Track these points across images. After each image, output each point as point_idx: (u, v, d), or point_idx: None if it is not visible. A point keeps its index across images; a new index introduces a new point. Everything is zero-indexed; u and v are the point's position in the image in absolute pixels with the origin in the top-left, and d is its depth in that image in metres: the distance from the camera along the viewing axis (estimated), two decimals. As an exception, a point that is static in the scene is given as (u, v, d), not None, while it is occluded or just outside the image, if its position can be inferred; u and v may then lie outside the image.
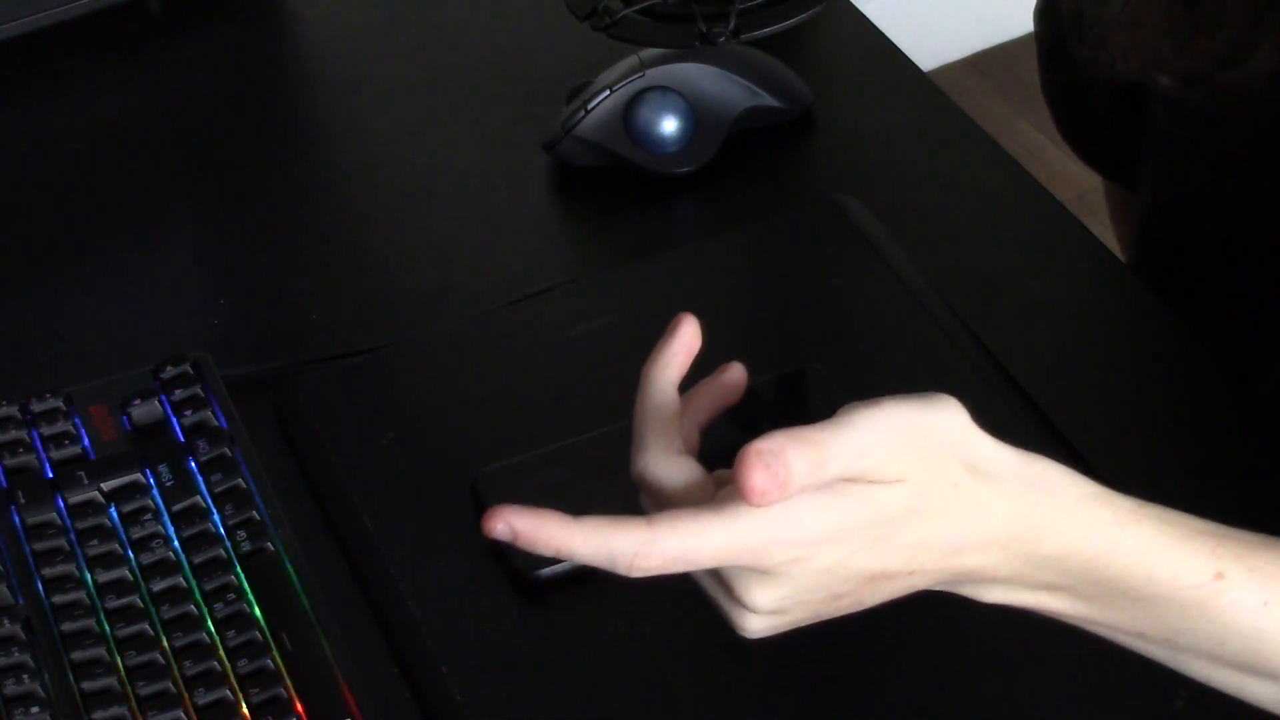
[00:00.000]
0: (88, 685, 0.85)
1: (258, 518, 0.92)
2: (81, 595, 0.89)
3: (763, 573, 0.70)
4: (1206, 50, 0.88)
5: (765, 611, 0.71)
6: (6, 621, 0.87)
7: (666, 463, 0.73)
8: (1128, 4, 0.91)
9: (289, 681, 0.85)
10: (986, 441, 0.71)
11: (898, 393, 0.71)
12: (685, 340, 0.75)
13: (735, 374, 0.77)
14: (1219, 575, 0.72)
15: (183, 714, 0.84)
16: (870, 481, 0.69)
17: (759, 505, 0.67)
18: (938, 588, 0.73)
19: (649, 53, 1.12)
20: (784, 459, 0.67)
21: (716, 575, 0.71)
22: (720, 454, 0.90)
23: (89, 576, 0.89)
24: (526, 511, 0.69)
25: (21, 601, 0.89)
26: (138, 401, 0.97)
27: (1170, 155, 1.05)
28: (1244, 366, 1.00)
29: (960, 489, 0.70)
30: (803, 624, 0.73)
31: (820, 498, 0.68)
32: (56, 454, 0.95)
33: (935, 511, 0.70)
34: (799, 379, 0.98)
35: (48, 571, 0.90)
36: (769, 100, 1.14)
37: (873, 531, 0.69)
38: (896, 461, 0.69)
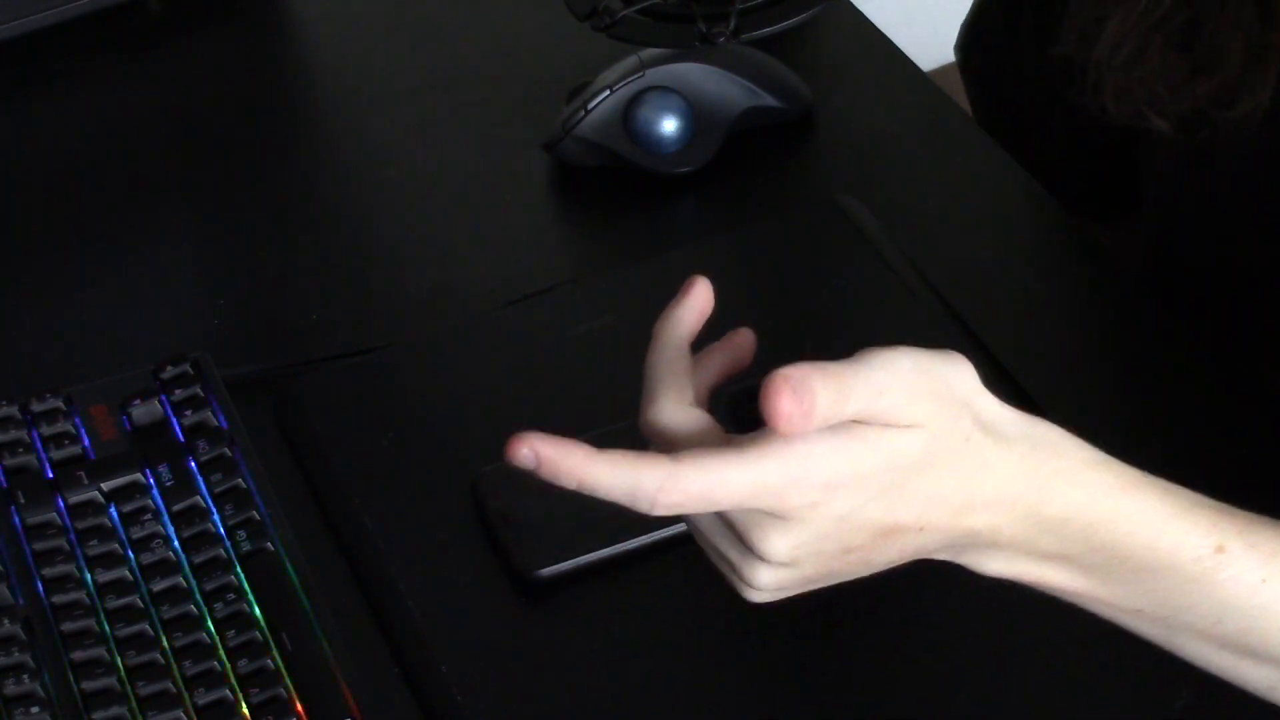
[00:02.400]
0: (88, 685, 0.85)
1: (258, 518, 0.92)
2: (81, 595, 0.89)
3: (779, 518, 0.69)
4: (1204, 91, 0.88)
5: (778, 561, 0.70)
6: (6, 621, 0.87)
7: (679, 412, 0.72)
8: (1118, 50, 0.90)
9: (289, 681, 0.85)
10: (994, 401, 0.71)
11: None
12: (698, 300, 0.75)
13: (745, 338, 0.77)
14: (1219, 549, 0.72)
15: (183, 714, 0.84)
16: (887, 424, 0.69)
17: (784, 431, 0.67)
18: (942, 554, 0.73)
19: (649, 53, 1.12)
20: (809, 386, 0.67)
21: (730, 526, 0.71)
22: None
23: (89, 576, 0.89)
24: (551, 438, 0.69)
25: (21, 601, 0.89)
26: (138, 401, 0.97)
27: (1164, 191, 1.04)
28: (1251, 370, 0.99)
29: (971, 443, 0.70)
30: (811, 583, 0.72)
31: (840, 439, 0.68)
32: (56, 454, 0.95)
33: (947, 463, 0.70)
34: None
35: (48, 571, 0.90)
36: (769, 100, 1.14)
37: (887, 477, 0.69)
38: (914, 405, 0.69)
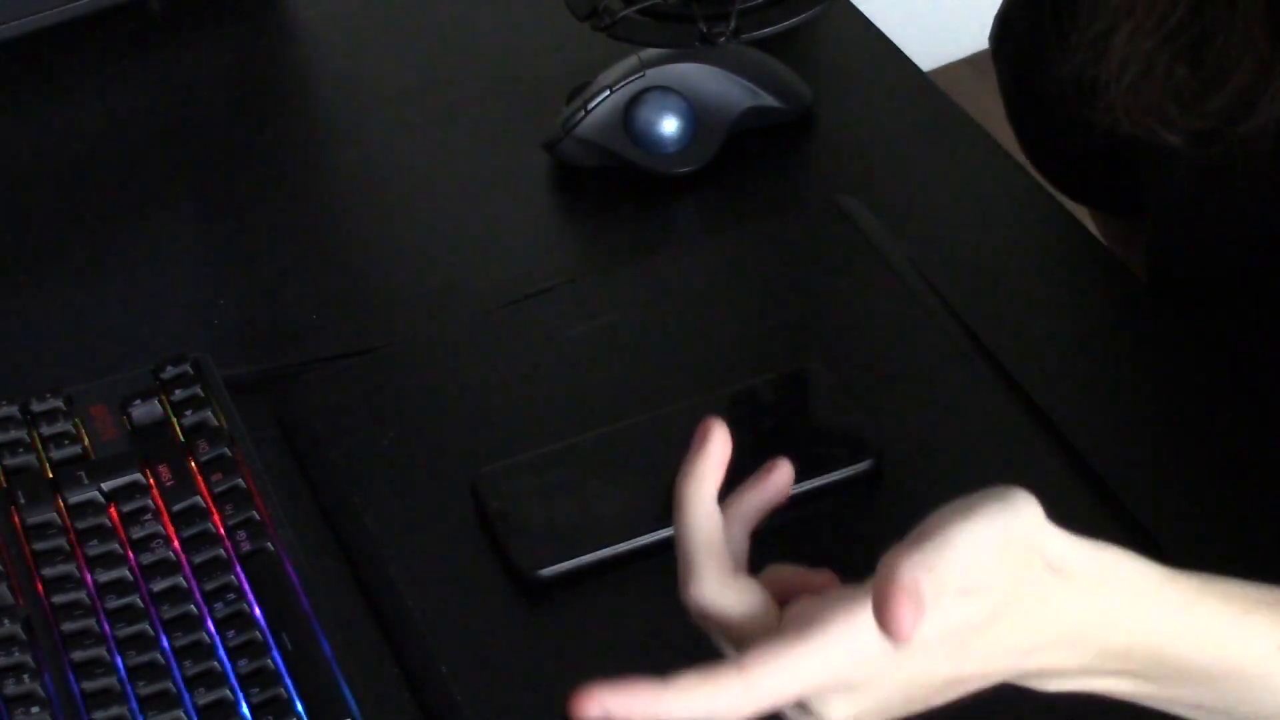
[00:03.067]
0: (88, 685, 0.85)
1: (258, 518, 0.92)
2: (81, 595, 0.89)
3: (842, 688, 0.69)
4: (1214, 108, 0.87)
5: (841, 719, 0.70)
6: (6, 621, 0.87)
7: (726, 590, 0.70)
8: (1127, 66, 0.90)
9: (289, 681, 0.85)
10: (1060, 537, 0.70)
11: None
12: (717, 450, 0.72)
13: (782, 473, 0.74)
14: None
15: (183, 714, 0.84)
16: (958, 593, 0.68)
17: (903, 642, 0.65)
18: (1007, 680, 0.72)
19: (649, 53, 1.12)
20: (920, 592, 0.65)
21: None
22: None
23: (89, 576, 0.89)
24: (617, 686, 0.66)
25: (21, 601, 0.89)
26: (138, 401, 0.97)
27: (1167, 209, 1.04)
28: (1252, 368, 0.99)
29: (1042, 589, 0.69)
30: None
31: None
32: (56, 454, 0.95)
33: (1016, 616, 0.69)
34: (799, 379, 0.98)
35: (48, 571, 0.90)
36: (769, 100, 1.14)
37: (955, 641, 0.69)
38: (993, 577, 0.68)
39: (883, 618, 0.65)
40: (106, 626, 0.87)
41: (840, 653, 0.67)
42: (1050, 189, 1.13)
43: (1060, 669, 0.72)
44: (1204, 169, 0.97)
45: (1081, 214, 1.12)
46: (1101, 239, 1.23)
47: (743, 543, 0.73)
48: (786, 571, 0.72)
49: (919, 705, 0.71)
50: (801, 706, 0.70)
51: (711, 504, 0.71)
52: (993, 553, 0.68)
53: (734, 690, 0.67)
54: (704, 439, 0.72)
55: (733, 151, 1.13)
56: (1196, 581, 0.72)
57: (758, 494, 0.74)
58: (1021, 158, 1.14)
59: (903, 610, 0.65)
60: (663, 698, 0.66)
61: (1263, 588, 0.74)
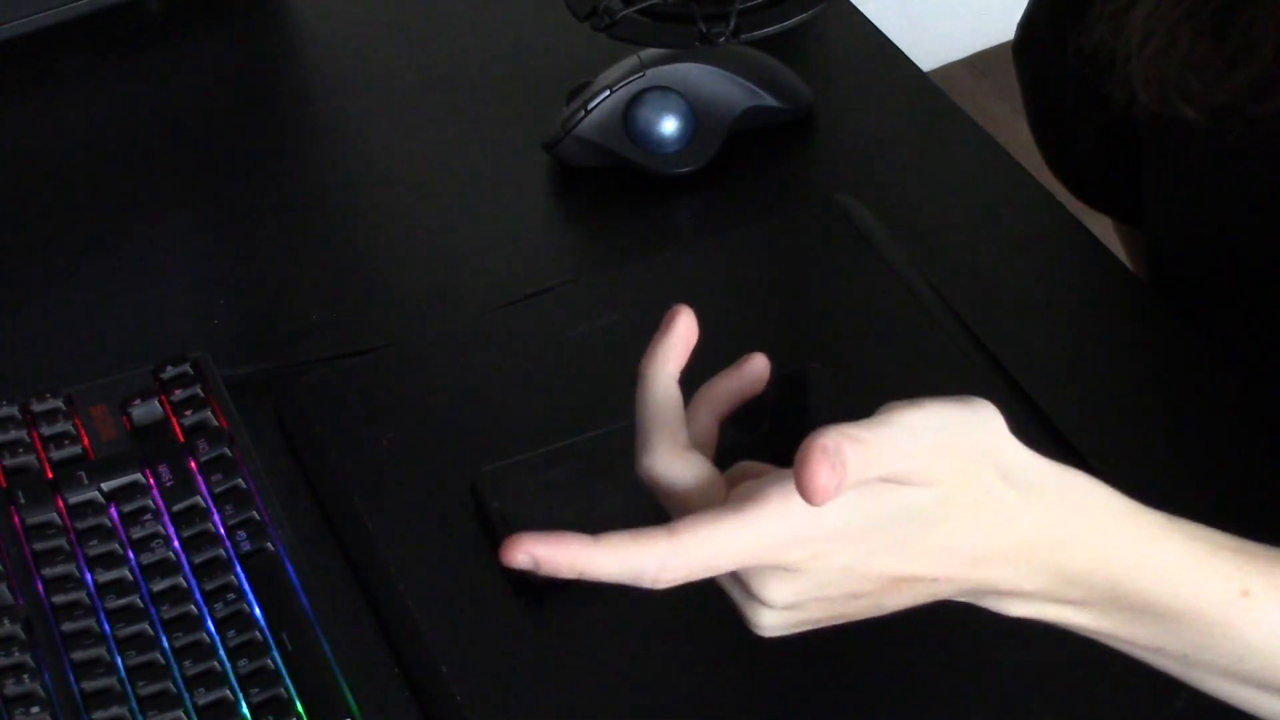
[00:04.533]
0: (88, 685, 0.85)
1: (258, 518, 0.92)
2: (81, 595, 0.89)
3: (781, 569, 0.69)
4: (1237, 83, 0.87)
5: (780, 606, 0.70)
6: (6, 621, 0.87)
7: (675, 460, 0.72)
8: (1148, 39, 0.89)
9: (289, 681, 0.85)
10: (1021, 450, 0.70)
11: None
12: (682, 332, 0.74)
13: (757, 364, 0.76)
14: (1244, 593, 0.72)
15: (183, 714, 0.84)
16: (904, 484, 0.68)
17: (818, 504, 0.66)
18: (961, 598, 0.73)
19: (649, 53, 1.12)
20: (843, 458, 0.66)
21: (733, 572, 0.71)
22: (722, 454, 0.89)
23: (89, 576, 0.89)
24: (545, 537, 0.68)
25: (21, 601, 0.89)
26: (138, 401, 0.97)
27: (1182, 189, 1.04)
28: (1252, 369, 0.99)
29: (992, 495, 0.69)
30: (820, 623, 0.72)
31: (847, 495, 0.67)
32: (56, 454, 0.95)
33: (965, 516, 0.69)
34: (799, 379, 0.98)
35: (48, 571, 0.90)
36: (769, 100, 1.14)
37: (896, 531, 0.69)
38: (935, 466, 0.68)
39: (799, 477, 0.65)
40: (106, 626, 0.88)
41: (770, 528, 0.67)
42: (1059, 194, 1.13)
43: (1016, 588, 0.71)
44: (1214, 156, 0.97)
45: (1081, 214, 1.12)
46: (1121, 249, 1.23)
47: (709, 425, 0.74)
48: (755, 466, 0.72)
49: (867, 605, 0.71)
50: (742, 586, 0.70)
51: (669, 381, 0.73)
52: (936, 445, 0.68)
53: (660, 553, 0.67)
54: (670, 321, 0.74)
55: (733, 151, 1.13)
56: (1161, 518, 0.72)
57: (730, 380, 0.75)
58: (1022, 158, 1.14)
59: (819, 469, 0.65)
60: (589, 552, 0.68)
61: (1234, 537, 0.73)
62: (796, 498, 0.67)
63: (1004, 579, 0.71)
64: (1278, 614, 0.72)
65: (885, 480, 0.68)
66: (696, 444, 0.73)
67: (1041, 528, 0.70)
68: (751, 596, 0.70)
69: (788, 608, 0.70)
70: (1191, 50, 0.88)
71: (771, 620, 0.71)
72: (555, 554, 0.68)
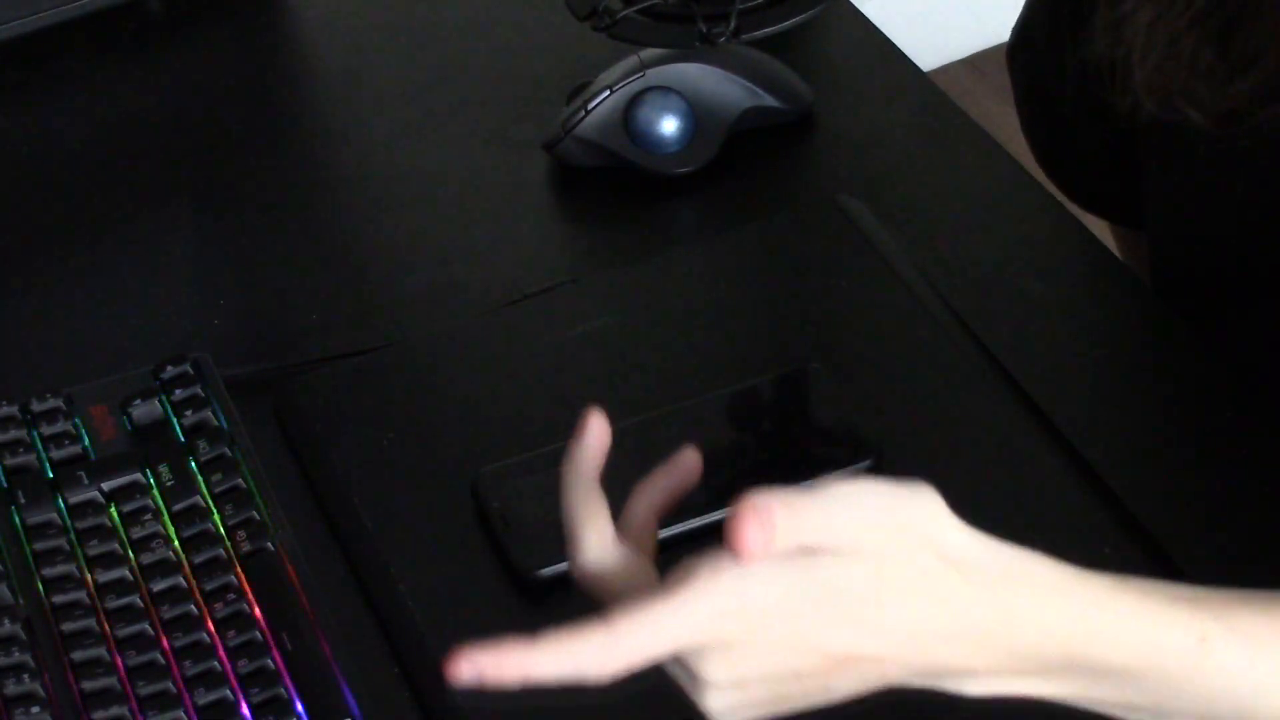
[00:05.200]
0: (88, 685, 0.85)
1: (258, 518, 0.92)
2: (81, 595, 0.89)
3: (718, 646, 0.69)
4: (1243, 89, 0.87)
5: (724, 685, 0.70)
6: (6, 621, 0.87)
7: (604, 555, 0.73)
8: (1150, 46, 0.89)
9: (289, 681, 0.85)
10: (962, 531, 0.70)
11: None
12: (595, 437, 0.75)
13: (689, 460, 0.77)
14: (1202, 639, 0.72)
15: (183, 714, 0.84)
16: (830, 553, 0.68)
17: (746, 561, 0.67)
18: (915, 681, 0.72)
19: (649, 53, 1.12)
20: (771, 518, 0.67)
21: (675, 658, 0.71)
22: (725, 453, 0.90)
23: (89, 576, 0.89)
24: (486, 650, 0.70)
25: (21, 601, 0.89)
26: (138, 401, 0.97)
27: (1185, 194, 1.04)
28: (1252, 368, 0.99)
29: (929, 575, 0.69)
30: (768, 706, 0.71)
31: (774, 568, 0.68)
32: (56, 454, 0.95)
33: (901, 596, 0.69)
34: (799, 379, 0.98)
35: (48, 571, 0.90)
36: (769, 100, 1.14)
37: (829, 607, 0.68)
38: (868, 538, 0.68)
39: (729, 533, 0.66)
40: (106, 626, 0.87)
41: (700, 604, 0.68)
42: (1058, 195, 1.13)
43: (967, 668, 0.71)
44: (1216, 160, 0.97)
45: (1083, 215, 1.12)
46: (1117, 252, 1.23)
47: (646, 519, 0.75)
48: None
49: (814, 686, 0.71)
50: (685, 669, 0.70)
51: (590, 482, 0.74)
52: (870, 519, 0.68)
53: (599, 645, 0.68)
54: (583, 428, 0.75)
55: (733, 151, 1.13)
56: (1110, 580, 0.72)
57: (666, 477, 0.76)
58: (1022, 158, 1.14)
59: (747, 525, 0.66)
60: (530, 655, 0.69)
61: (1185, 585, 0.73)
62: (725, 572, 0.68)
63: (953, 658, 0.70)
64: (1238, 655, 0.72)
65: (815, 549, 0.68)
66: (633, 538, 0.74)
67: (984, 606, 0.70)
68: (694, 678, 0.70)
69: (732, 686, 0.70)
70: (1195, 58, 0.88)
71: (718, 702, 0.70)
72: (499, 663, 0.70)
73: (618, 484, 0.93)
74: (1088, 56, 0.93)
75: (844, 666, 0.70)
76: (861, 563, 0.68)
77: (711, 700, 0.71)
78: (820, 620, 0.69)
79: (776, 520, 0.67)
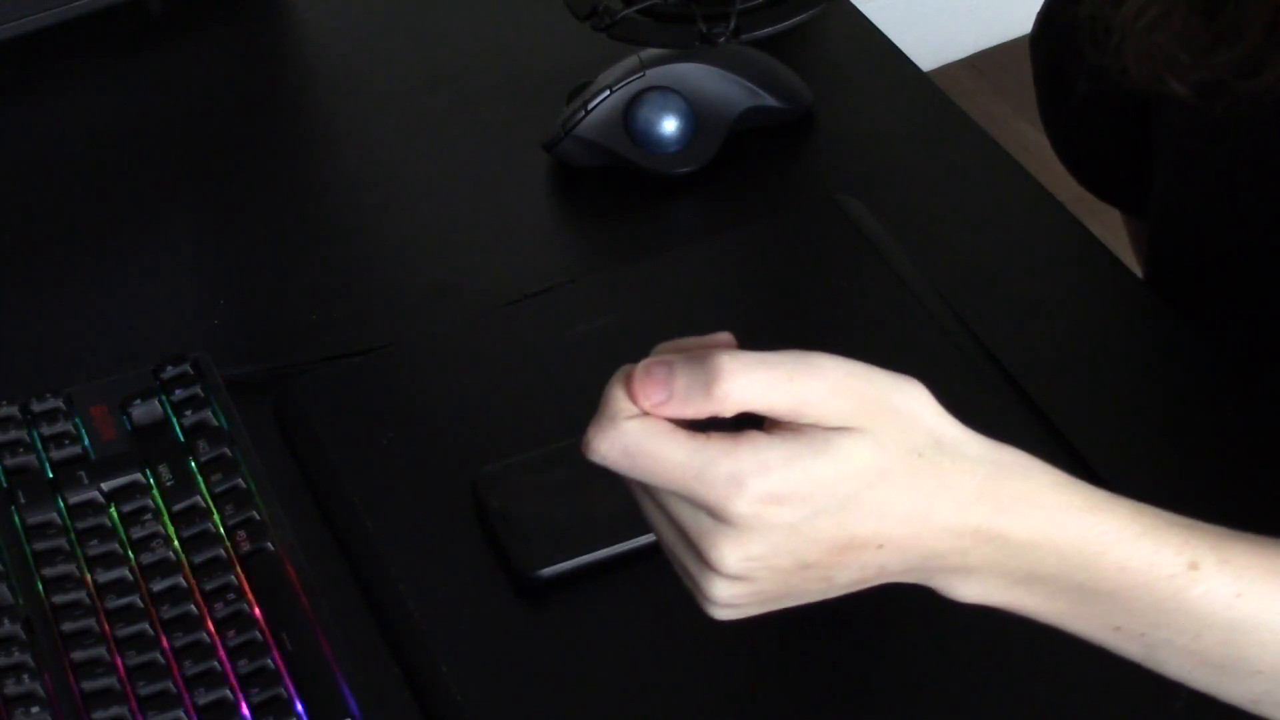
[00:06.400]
0: (88, 685, 0.85)
1: (258, 518, 0.92)
2: (81, 595, 0.89)
3: (728, 525, 0.69)
4: (1225, 60, 0.88)
5: (730, 573, 0.70)
6: (6, 621, 0.87)
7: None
8: (1143, 12, 0.90)
9: (289, 681, 0.85)
10: (953, 424, 0.71)
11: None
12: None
13: (725, 342, 0.76)
14: (1192, 565, 0.72)
15: (183, 714, 0.84)
16: (830, 428, 0.68)
17: (646, 409, 0.68)
18: (910, 576, 0.72)
19: (649, 53, 1.12)
20: (671, 368, 0.68)
21: (685, 535, 0.71)
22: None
23: (89, 576, 0.89)
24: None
25: (21, 601, 0.89)
26: (138, 401, 0.97)
27: (1179, 169, 1.04)
28: (1252, 367, 0.99)
29: (925, 459, 0.69)
30: (772, 600, 0.72)
31: (784, 438, 0.68)
32: (56, 454, 0.95)
33: (900, 477, 0.69)
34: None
35: (48, 571, 0.90)
36: (769, 100, 1.14)
37: (837, 489, 0.69)
38: (857, 411, 0.69)
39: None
40: (106, 626, 0.88)
41: (711, 453, 0.68)
42: (1058, 195, 1.13)
43: (963, 560, 0.71)
44: (1207, 131, 0.97)
45: (1081, 213, 1.12)
46: (1130, 244, 1.23)
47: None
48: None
49: (817, 578, 0.71)
50: (694, 551, 0.70)
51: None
52: (850, 388, 0.69)
53: (610, 411, 0.70)
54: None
55: (733, 151, 1.13)
56: (1105, 494, 0.72)
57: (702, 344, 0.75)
58: (1022, 158, 1.15)
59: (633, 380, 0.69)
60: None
61: (1179, 516, 0.73)
62: (744, 442, 0.68)
63: (949, 550, 0.71)
64: (1228, 587, 0.72)
65: (809, 423, 0.68)
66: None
67: (981, 499, 0.70)
68: (702, 561, 0.70)
69: (738, 577, 0.70)
70: (1184, 25, 0.89)
71: (724, 591, 0.71)
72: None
73: (618, 483, 0.93)
74: (1082, 17, 0.94)
75: (846, 554, 0.70)
76: (861, 441, 0.68)
77: (718, 589, 0.71)
78: (829, 506, 0.69)
79: (678, 372, 0.68)
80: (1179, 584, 0.72)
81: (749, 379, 0.68)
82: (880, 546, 0.70)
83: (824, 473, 0.68)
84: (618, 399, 0.70)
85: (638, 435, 0.69)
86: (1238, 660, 0.74)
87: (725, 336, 0.74)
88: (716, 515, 0.69)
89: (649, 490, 0.71)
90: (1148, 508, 0.73)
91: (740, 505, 0.68)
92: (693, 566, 0.71)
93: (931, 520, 0.70)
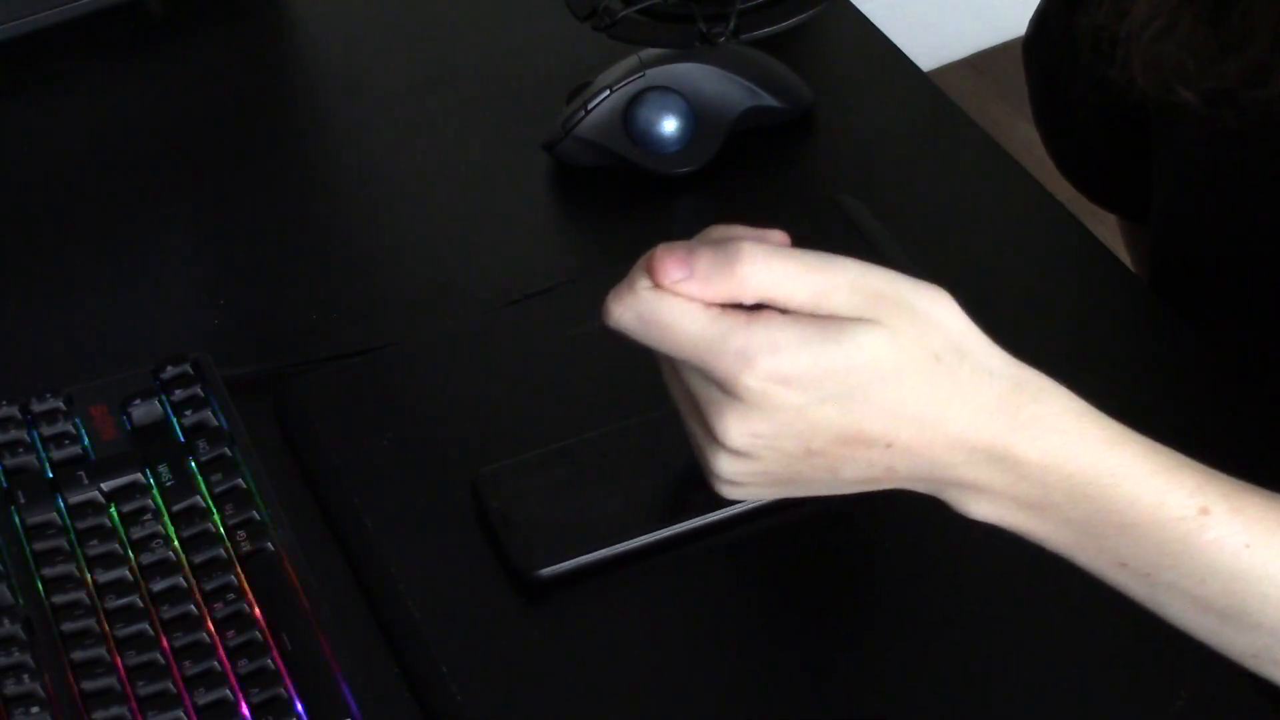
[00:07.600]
0: (88, 685, 0.85)
1: (258, 518, 0.92)
2: (81, 595, 0.89)
3: (736, 399, 0.69)
4: (1232, 69, 0.88)
5: (736, 448, 0.70)
6: (6, 621, 0.87)
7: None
8: (1149, 22, 0.90)
9: (289, 681, 0.85)
10: (979, 336, 0.71)
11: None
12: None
13: (779, 240, 0.75)
14: (1203, 510, 0.72)
15: (183, 714, 0.84)
16: (847, 318, 0.69)
17: (663, 284, 0.69)
18: (920, 485, 0.72)
19: (649, 53, 1.12)
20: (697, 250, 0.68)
21: (695, 406, 0.71)
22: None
23: (89, 576, 0.89)
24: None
25: (21, 601, 0.89)
26: (138, 401, 0.97)
27: (1183, 176, 1.04)
28: (1255, 371, 0.99)
29: (943, 363, 0.70)
30: (778, 485, 0.72)
31: (799, 321, 0.68)
32: (56, 454, 0.95)
33: (914, 377, 0.69)
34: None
35: (48, 571, 0.90)
36: (769, 100, 1.14)
37: (847, 378, 0.69)
38: (875, 306, 0.69)
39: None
40: (106, 626, 0.88)
41: (726, 327, 0.69)
42: (1058, 195, 1.13)
43: (974, 480, 0.71)
44: (1213, 144, 0.97)
45: (1081, 213, 1.12)
46: (1126, 249, 1.23)
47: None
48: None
49: (822, 467, 0.71)
50: (702, 424, 0.71)
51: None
52: (867, 286, 0.69)
53: (623, 286, 0.71)
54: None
55: (733, 151, 1.13)
56: (1122, 428, 0.72)
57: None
58: (1022, 158, 1.15)
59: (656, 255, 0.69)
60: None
61: (1199, 464, 0.74)
62: (760, 319, 0.68)
63: (960, 464, 0.71)
64: (1238, 536, 0.72)
65: (809, 308, 0.69)
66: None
67: (997, 413, 0.70)
68: (709, 433, 0.71)
69: (743, 453, 0.70)
70: (1190, 34, 0.89)
71: (728, 466, 0.71)
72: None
73: (618, 483, 0.93)
74: (1088, 28, 0.94)
75: (853, 448, 0.70)
76: (876, 333, 0.69)
77: (723, 464, 0.71)
78: (837, 393, 0.69)
79: (701, 252, 0.68)
80: (1189, 527, 0.72)
81: (769, 265, 0.68)
82: (889, 446, 0.70)
83: (834, 360, 0.69)
84: (640, 273, 0.70)
85: (653, 304, 0.70)
86: (1239, 611, 0.74)
87: (779, 235, 0.74)
88: (726, 389, 0.69)
89: (670, 361, 0.72)
90: (1164, 449, 0.73)
91: (748, 380, 0.68)
92: (701, 439, 0.72)
93: (943, 428, 0.70)
